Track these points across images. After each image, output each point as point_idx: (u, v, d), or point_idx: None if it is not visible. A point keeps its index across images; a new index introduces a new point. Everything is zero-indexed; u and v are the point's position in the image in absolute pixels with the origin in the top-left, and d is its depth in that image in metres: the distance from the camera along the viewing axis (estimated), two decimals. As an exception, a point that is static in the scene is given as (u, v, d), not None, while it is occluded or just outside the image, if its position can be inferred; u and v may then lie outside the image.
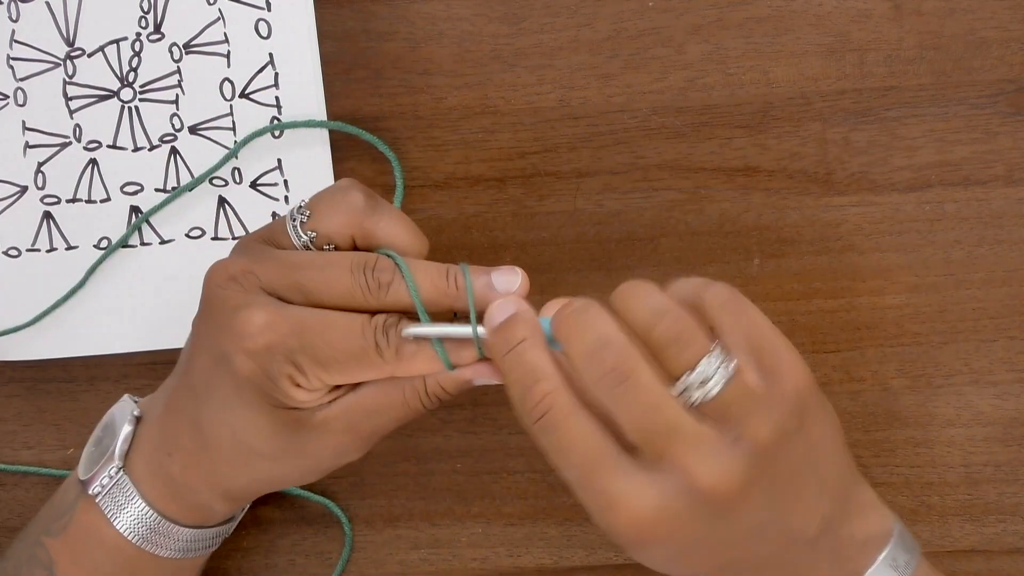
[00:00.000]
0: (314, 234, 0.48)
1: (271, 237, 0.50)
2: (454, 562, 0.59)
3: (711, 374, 0.43)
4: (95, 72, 0.58)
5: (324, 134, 0.57)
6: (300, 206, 0.49)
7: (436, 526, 0.59)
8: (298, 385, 0.47)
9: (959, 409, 0.57)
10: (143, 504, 0.50)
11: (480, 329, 0.47)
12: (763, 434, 0.42)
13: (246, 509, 0.56)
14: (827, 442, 0.45)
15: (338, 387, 0.49)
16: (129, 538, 0.50)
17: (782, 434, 0.43)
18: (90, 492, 0.50)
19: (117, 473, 0.50)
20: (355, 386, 0.49)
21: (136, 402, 0.53)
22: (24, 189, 0.58)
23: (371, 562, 0.60)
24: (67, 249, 0.58)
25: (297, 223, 0.49)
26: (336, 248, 0.49)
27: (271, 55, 0.57)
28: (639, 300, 0.44)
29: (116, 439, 0.51)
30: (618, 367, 0.43)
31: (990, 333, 0.57)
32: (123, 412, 0.52)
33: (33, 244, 0.58)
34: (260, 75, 0.57)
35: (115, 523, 0.50)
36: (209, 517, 0.52)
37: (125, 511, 0.50)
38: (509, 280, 0.47)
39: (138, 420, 0.51)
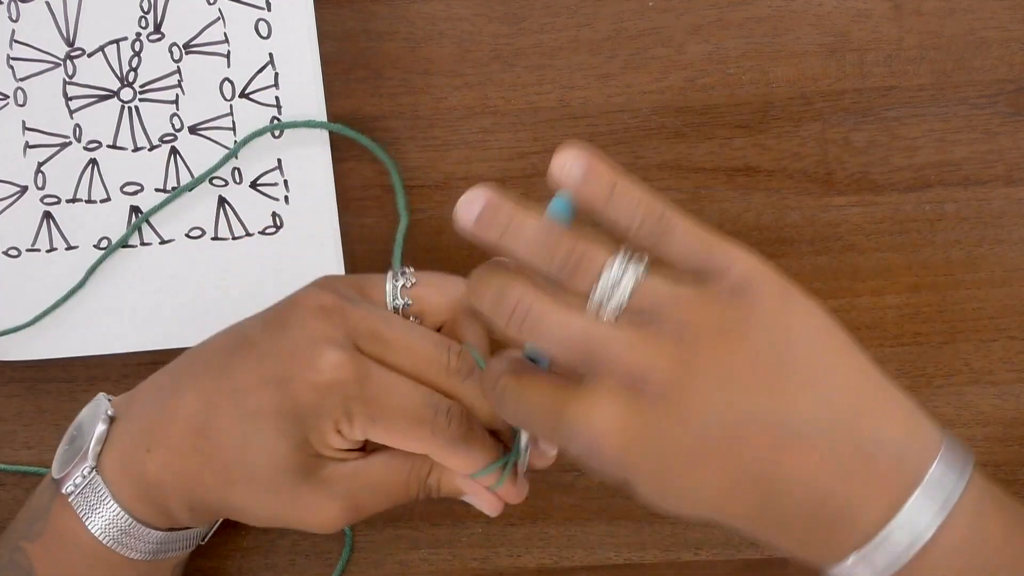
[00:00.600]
0: (411, 302, 0.50)
1: (361, 286, 0.50)
2: (454, 562, 0.59)
3: (617, 279, 0.41)
4: (95, 72, 0.58)
5: (324, 134, 0.57)
6: (405, 271, 0.50)
7: (436, 526, 0.59)
8: (338, 431, 0.48)
9: (959, 409, 0.57)
10: (115, 505, 0.50)
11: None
12: (688, 315, 0.41)
13: (216, 526, 0.56)
14: (814, 335, 0.42)
15: (356, 450, 0.49)
16: (101, 540, 0.50)
17: (717, 314, 0.41)
18: (63, 491, 0.50)
19: (90, 473, 0.50)
20: (367, 454, 0.50)
21: (110, 400, 0.52)
22: (24, 189, 0.58)
23: (371, 562, 0.60)
24: (67, 249, 0.58)
25: (400, 284, 0.50)
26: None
27: (271, 55, 0.57)
28: (518, 239, 0.43)
29: (89, 438, 0.50)
30: (518, 307, 0.42)
31: (990, 333, 0.57)
32: (97, 411, 0.51)
33: (33, 244, 0.58)
34: (260, 75, 0.57)
35: (88, 524, 0.50)
36: (173, 523, 0.52)
37: (97, 512, 0.50)
38: None
39: (112, 420, 0.51)
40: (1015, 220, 0.57)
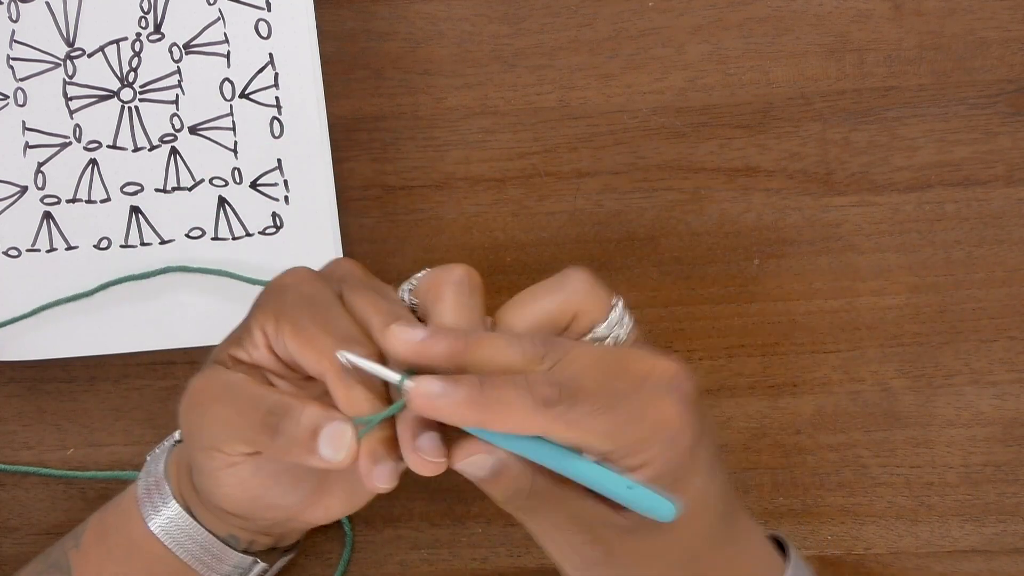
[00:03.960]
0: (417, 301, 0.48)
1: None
2: (454, 562, 0.59)
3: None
4: (95, 72, 0.58)
5: (324, 134, 0.57)
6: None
7: (436, 526, 0.59)
8: (263, 331, 0.46)
9: (959, 409, 0.57)
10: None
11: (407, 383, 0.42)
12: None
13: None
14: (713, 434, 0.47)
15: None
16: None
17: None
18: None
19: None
20: None
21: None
22: (24, 189, 0.58)
23: (371, 562, 0.60)
24: (67, 249, 0.58)
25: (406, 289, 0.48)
26: None
27: (271, 55, 0.57)
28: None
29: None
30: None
31: (990, 333, 0.57)
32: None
33: (33, 244, 0.58)
34: (260, 75, 0.57)
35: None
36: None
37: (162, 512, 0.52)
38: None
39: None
40: (1015, 220, 0.57)
